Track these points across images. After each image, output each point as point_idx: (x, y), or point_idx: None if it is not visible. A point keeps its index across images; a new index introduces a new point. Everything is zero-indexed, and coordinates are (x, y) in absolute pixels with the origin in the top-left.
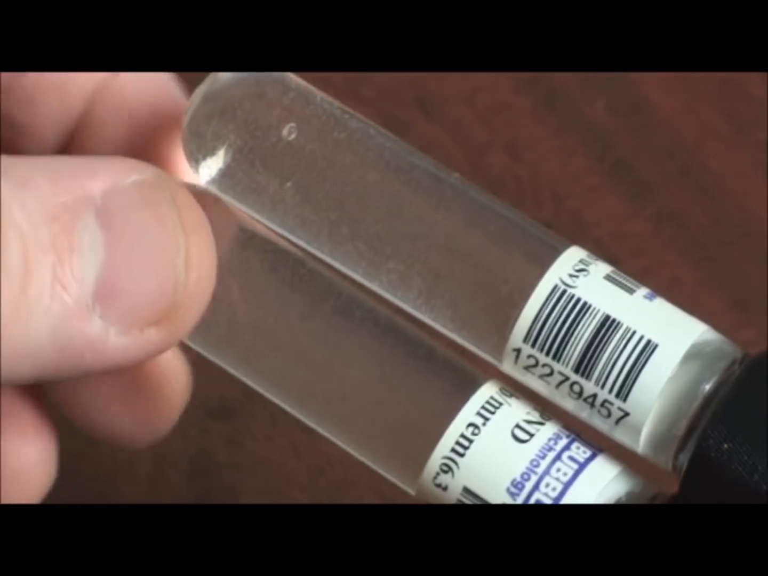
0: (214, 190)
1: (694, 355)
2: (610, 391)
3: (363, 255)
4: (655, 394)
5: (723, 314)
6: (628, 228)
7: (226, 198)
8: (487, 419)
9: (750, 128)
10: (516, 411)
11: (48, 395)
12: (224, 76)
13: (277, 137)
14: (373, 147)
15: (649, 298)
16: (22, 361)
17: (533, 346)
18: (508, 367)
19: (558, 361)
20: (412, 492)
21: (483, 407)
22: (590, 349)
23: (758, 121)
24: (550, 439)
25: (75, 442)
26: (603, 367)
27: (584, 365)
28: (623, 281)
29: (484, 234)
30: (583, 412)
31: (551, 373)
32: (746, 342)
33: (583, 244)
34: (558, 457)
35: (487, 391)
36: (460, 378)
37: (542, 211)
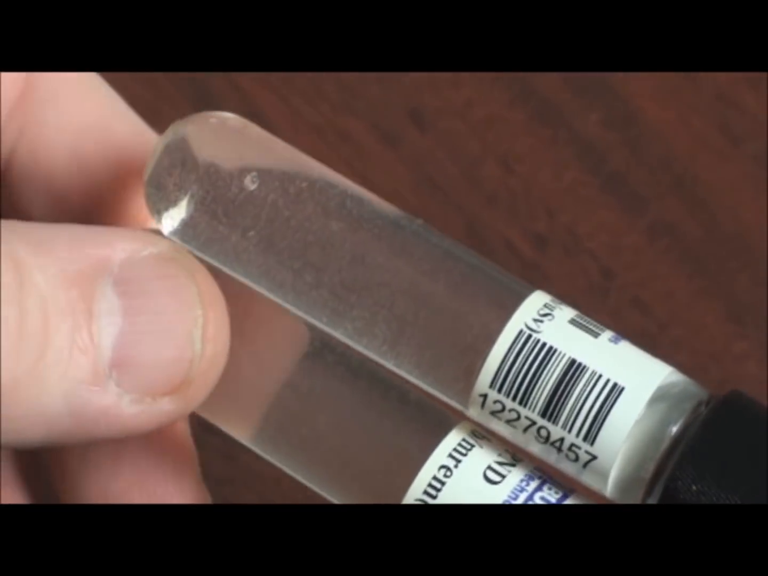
0: (176, 240)
1: (660, 397)
2: (578, 435)
3: (327, 303)
4: (623, 437)
5: (717, 327)
6: (622, 241)
7: (189, 248)
8: (459, 461)
9: (743, 141)
10: (487, 453)
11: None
12: (185, 128)
13: (239, 187)
14: (335, 195)
15: (614, 341)
16: (35, 423)
17: (499, 391)
18: (474, 412)
19: (524, 406)
20: None
21: (455, 449)
22: (557, 394)
23: (752, 133)
24: (521, 480)
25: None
26: (570, 412)
27: (551, 410)
28: (588, 325)
29: (448, 280)
30: (551, 457)
31: (518, 418)
32: (740, 354)
33: (576, 257)
34: (530, 498)
35: (459, 433)
36: (432, 420)
37: (536, 224)
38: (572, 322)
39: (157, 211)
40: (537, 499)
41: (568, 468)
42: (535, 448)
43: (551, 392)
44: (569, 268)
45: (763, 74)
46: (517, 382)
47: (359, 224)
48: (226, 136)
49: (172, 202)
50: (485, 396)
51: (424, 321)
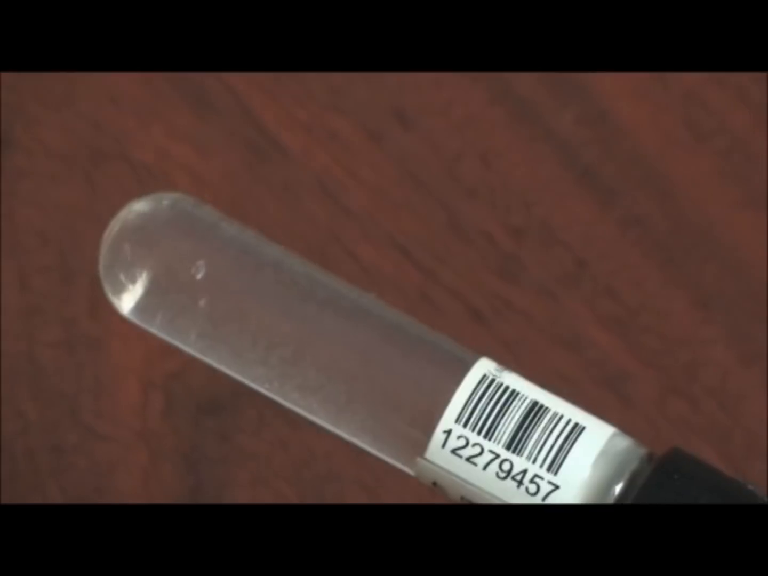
0: (134, 318)
1: (606, 452)
2: (542, 465)
3: (276, 376)
4: (587, 467)
5: (684, 313)
6: (595, 232)
7: (150, 329)
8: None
9: (709, 138)
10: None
11: None
12: (139, 210)
13: (188, 272)
14: (285, 272)
15: (564, 399)
16: None
17: (465, 426)
18: (430, 455)
19: (489, 439)
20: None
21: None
22: (521, 428)
23: (716, 131)
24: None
25: (73, 437)
26: (534, 444)
27: (516, 442)
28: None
29: (397, 349)
30: (507, 493)
31: (481, 453)
32: (707, 339)
33: (552, 248)
34: None
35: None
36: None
37: (513, 218)
38: (526, 378)
39: (114, 292)
40: None
41: (525, 502)
42: (492, 487)
43: (516, 426)
44: (545, 259)
45: (728, 74)
46: (483, 417)
47: (309, 298)
48: (178, 218)
49: (129, 281)
50: (449, 432)
51: (376, 388)
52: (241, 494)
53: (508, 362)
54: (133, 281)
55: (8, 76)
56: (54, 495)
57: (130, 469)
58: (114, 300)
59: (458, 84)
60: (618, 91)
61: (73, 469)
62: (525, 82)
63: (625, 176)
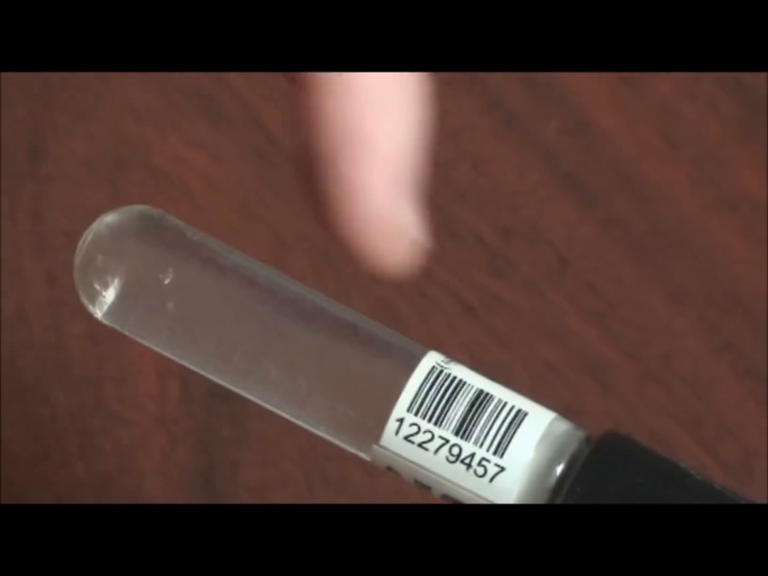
0: (107, 321)
1: (546, 437)
2: (488, 449)
3: (241, 371)
4: (531, 449)
5: (660, 307)
6: (577, 233)
7: (119, 328)
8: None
9: (682, 146)
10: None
11: None
12: (112, 220)
13: (156, 277)
14: (245, 276)
15: (507, 387)
16: None
17: (416, 414)
18: (385, 441)
19: (439, 426)
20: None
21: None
22: (468, 415)
23: (689, 139)
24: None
25: (98, 421)
26: (481, 429)
27: (464, 428)
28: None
29: (352, 345)
30: (458, 476)
31: (431, 439)
32: (681, 331)
33: (537, 247)
34: None
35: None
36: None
37: (502, 219)
38: (471, 368)
39: (88, 297)
40: None
41: (472, 485)
42: (443, 470)
43: (464, 414)
44: (531, 257)
45: (701, 88)
46: (432, 406)
47: (269, 298)
48: (147, 229)
49: (101, 287)
50: (402, 420)
51: (336, 377)
52: (251, 474)
53: (497, 352)
54: (105, 287)
55: (38, 89)
56: (80, 474)
57: (150, 451)
58: (88, 305)
59: (451, 96)
60: (598, 102)
61: (98, 450)
62: (512, 94)
63: (605, 181)
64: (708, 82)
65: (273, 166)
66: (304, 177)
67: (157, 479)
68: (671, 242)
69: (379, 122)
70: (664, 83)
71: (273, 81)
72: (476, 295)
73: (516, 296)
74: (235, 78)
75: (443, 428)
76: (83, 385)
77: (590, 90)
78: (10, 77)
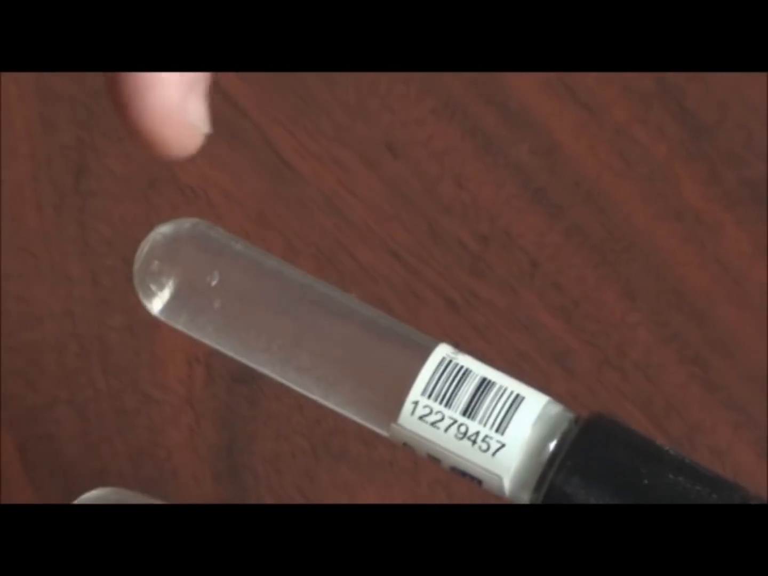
0: (163, 318)
1: (541, 417)
2: (491, 427)
3: (277, 360)
4: (527, 428)
5: (616, 303)
6: (545, 239)
7: (176, 326)
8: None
9: (635, 165)
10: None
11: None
12: (166, 230)
13: (205, 280)
14: (282, 278)
15: (507, 374)
16: None
17: (429, 398)
18: (402, 420)
19: (449, 407)
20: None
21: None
22: (474, 398)
23: (641, 159)
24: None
25: (133, 401)
26: (485, 411)
27: (470, 410)
28: (488, 363)
29: (374, 338)
30: (464, 451)
31: (442, 419)
32: (634, 323)
33: (511, 252)
34: None
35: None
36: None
37: (480, 227)
38: (476, 358)
39: (146, 297)
40: None
41: (478, 459)
42: (452, 445)
43: (470, 397)
44: (505, 260)
45: (651, 114)
46: (443, 390)
47: (303, 295)
48: (196, 237)
49: (158, 288)
50: (416, 402)
51: (361, 362)
52: (266, 446)
53: (476, 342)
54: (161, 289)
55: (83, 117)
56: (119, 447)
57: (179, 427)
58: (146, 304)
59: (437, 124)
60: (563, 128)
61: (134, 427)
62: (490, 122)
63: (569, 195)
64: (657, 110)
65: (283, 182)
66: (106, 80)
67: (185, 451)
68: (625, 247)
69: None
70: (619, 112)
71: (283, 109)
72: (459, 292)
73: (493, 294)
74: (250, 107)
75: (452, 410)
76: (121, 371)
77: (556, 117)
78: (59, 107)
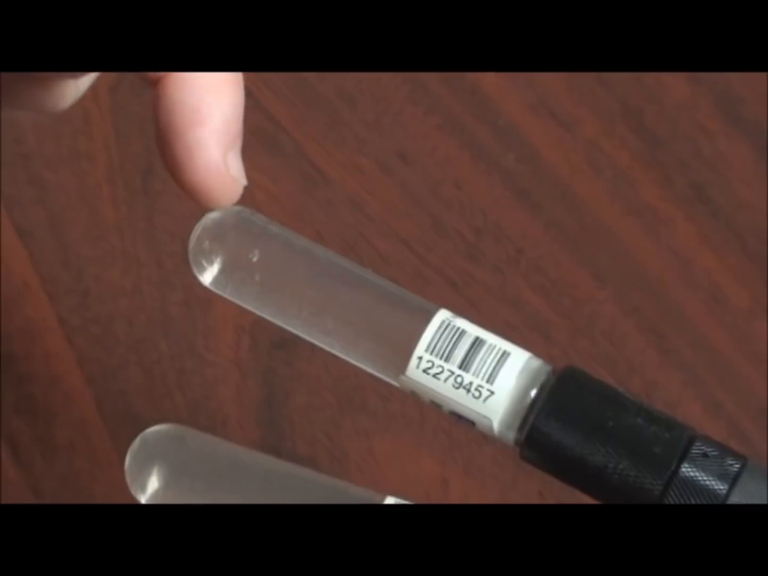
0: (213, 288)
1: (524, 370)
2: (482, 378)
3: (307, 324)
4: (513, 379)
5: (586, 283)
6: (529, 232)
7: (223, 295)
8: None
9: (604, 171)
10: None
11: None
12: (216, 215)
13: (247, 257)
14: (313, 255)
15: (496, 335)
16: None
17: (431, 354)
18: (409, 372)
19: (447, 362)
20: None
21: None
22: (468, 354)
23: (609, 166)
24: None
25: (191, 363)
26: (477, 364)
27: (465, 363)
28: (480, 325)
29: (386, 304)
30: (460, 397)
31: (442, 371)
32: (602, 300)
33: (501, 242)
34: None
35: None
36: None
37: (475, 221)
38: (470, 322)
39: (199, 271)
40: None
41: (471, 404)
42: (450, 393)
43: (465, 353)
44: (496, 249)
45: (615, 130)
46: (443, 348)
47: (330, 269)
48: (240, 222)
49: (209, 263)
50: (421, 357)
51: (375, 321)
52: (300, 400)
53: (472, 315)
54: (211, 264)
55: (149, 129)
56: (178, 401)
57: (227, 384)
58: (199, 277)
59: (440, 136)
60: (543, 140)
61: (191, 383)
62: (483, 135)
63: (548, 195)
64: (620, 126)
65: (314, 185)
66: (160, 144)
67: (233, 404)
68: (594, 238)
69: (210, 100)
70: (589, 127)
71: (314, 125)
72: (458, 275)
73: (485, 276)
74: (287, 123)
75: (450, 363)
76: (180, 338)
77: (537, 132)
78: (131, 121)
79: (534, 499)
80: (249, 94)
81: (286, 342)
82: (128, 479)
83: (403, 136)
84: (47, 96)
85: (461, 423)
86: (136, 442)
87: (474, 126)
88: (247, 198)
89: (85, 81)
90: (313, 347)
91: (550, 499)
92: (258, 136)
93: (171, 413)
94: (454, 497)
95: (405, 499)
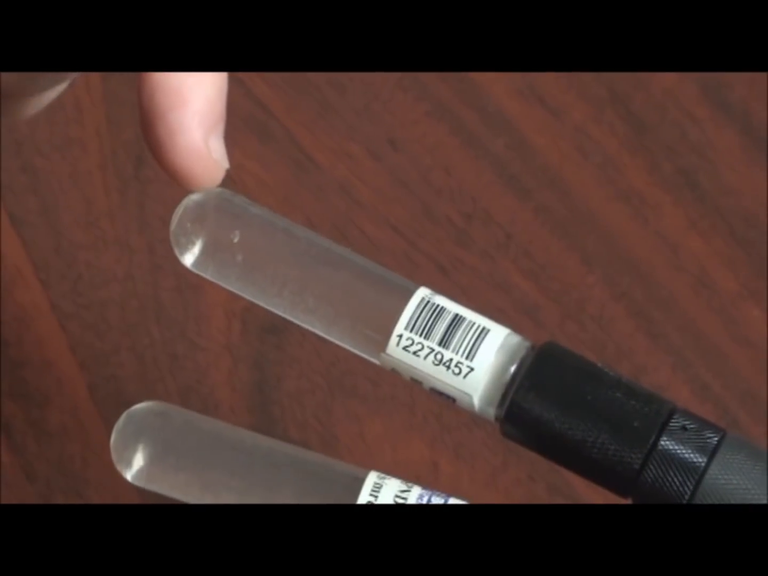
0: (195, 270)
1: (504, 345)
2: (462, 355)
3: (289, 302)
4: (492, 355)
5: (575, 268)
6: (518, 217)
7: (205, 276)
8: (376, 497)
9: (592, 156)
10: (391, 487)
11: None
12: (197, 196)
13: (228, 238)
14: (294, 235)
15: (475, 311)
16: None
17: (411, 331)
18: (390, 350)
19: (427, 339)
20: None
21: (371, 494)
22: (448, 331)
23: (596, 152)
24: (418, 497)
25: (182, 348)
26: (457, 341)
27: (445, 340)
28: (459, 304)
29: (367, 283)
30: (440, 374)
31: (422, 348)
32: (590, 284)
33: (489, 227)
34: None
35: (370, 479)
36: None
37: (465, 207)
38: (449, 299)
39: (181, 252)
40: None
41: (451, 381)
42: (430, 370)
43: (444, 330)
44: (485, 234)
45: (603, 116)
46: (423, 325)
47: (309, 248)
48: (222, 203)
49: (190, 245)
50: (401, 335)
51: (356, 301)
52: (291, 384)
53: (462, 300)
54: (192, 245)
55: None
56: (170, 385)
57: (219, 369)
58: (180, 258)
59: (429, 123)
60: (532, 126)
61: (183, 368)
62: (472, 121)
63: (537, 181)
64: (608, 112)
65: (305, 171)
66: (143, 126)
67: (224, 388)
68: (583, 223)
69: (192, 82)
70: (577, 113)
71: (304, 112)
72: (447, 260)
73: (475, 261)
74: (278, 110)
75: (430, 341)
76: (172, 323)
77: (526, 118)
78: (123, 109)
79: (524, 482)
80: (240, 81)
81: (277, 327)
82: (114, 456)
83: (393, 122)
84: (12, 109)
85: (443, 400)
86: (121, 419)
87: (463, 112)
88: (237, 184)
89: (51, 94)
90: (303, 332)
91: (540, 483)
92: (248, 123)
93: (163, 398)
94: (444, 480)
95: (391, 476)
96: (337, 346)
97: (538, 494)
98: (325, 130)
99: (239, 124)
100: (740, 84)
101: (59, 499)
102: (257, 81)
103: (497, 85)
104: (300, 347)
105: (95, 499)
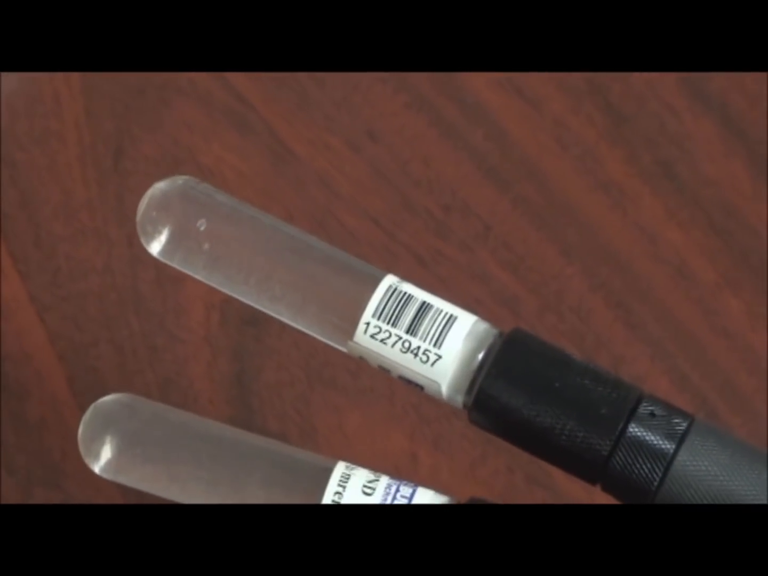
0: (161, 258)
1: (472, 332)
2: (430, 342)
3: (255, 291)
4: (459, 342)
5: (554, 259)
6: (497, 208)
7: (172, 264)
8: (344, 487)
9: (571, 147)
10: (359, 479)
11: None
12: (162, 186)
13: (194, 226)
14: (260, 222)
15: (442, 299)
16: None
17: (378, 319)
18: (357, 338)
19: (395, 327)
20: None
21: (339, 484)
22: (415, 319)
23: (575, 144)
24: (386, 487)
25: (162, 340)
26: (425, 329)
27: (412, 328)
28: (428, 291)
29: (333, 270)
30: (407, 362)
31: (389, 336)
32: (570, 275)
33: (468, 218)
34: (395, 495)
35: (339, 470)
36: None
37: (444, 199)
38: (417, 286)
39: (147, 241)
40: (398, 496)
41: (419, 368)
42: (398, 358)
43: (412, 318)
44: (464, 225)
45: (582, 107)
46: (390, 313)
47: (275, 235)
48: (188, 192)
49: (156, 233)
50: (368, 323)
51: (322, 288)
52: (270, 376)
53: (441, 291)
54: (159, 234)
55: (120, 110)
56: (150, 377)
57: (198, 360)
58: (147, 246)
59: (408, 114)
60: (511, 118)
61: (162, 360)
62: (451, 113)
63: (516, 172)
64: (587, 103)
65: (284, 163)
66: None
67: (204, 380)
68: (562, 214)
69: None
70: (556, 105)
71: (283, 104)
72: (426, 251)
73: (454, 252)
74: (256, 102)
75: (398, 328)
76: (151, 315)
77: (504, 110)
78: (102, 102)
79: (503, 473)
80: (218, 74)
81: (256, 319)
82: (82, 449)
83: (372, 114)
84: None
85: (411, 387)
86: (89, 412)
87: (442, 104)
88: (216, 176)
89: None
90: (282, 324)
91: (519, 473)
92: (228, 115)
93: (142, 390)
94: (423, 472)
95: (359, 467)
96: (317, 337)
97: (517, 485)
98: (304, 122)
99: (218, 117)
100: (719, 75)
101: (38, 491)
102: (236, 73)
103: (476, 77)
104: (279, 339)
105: (74, 490)
